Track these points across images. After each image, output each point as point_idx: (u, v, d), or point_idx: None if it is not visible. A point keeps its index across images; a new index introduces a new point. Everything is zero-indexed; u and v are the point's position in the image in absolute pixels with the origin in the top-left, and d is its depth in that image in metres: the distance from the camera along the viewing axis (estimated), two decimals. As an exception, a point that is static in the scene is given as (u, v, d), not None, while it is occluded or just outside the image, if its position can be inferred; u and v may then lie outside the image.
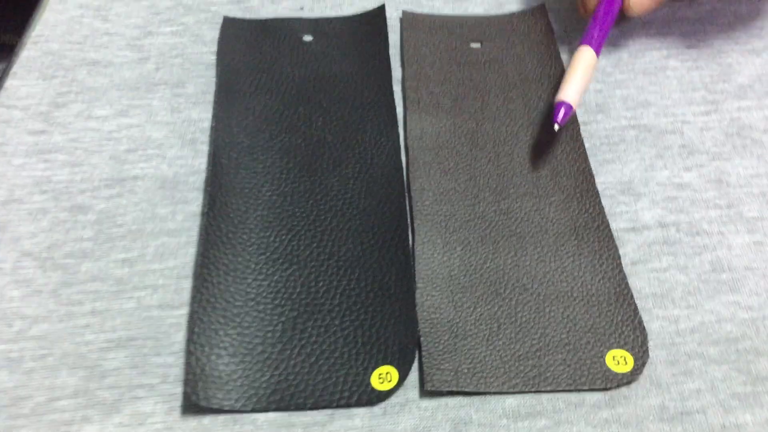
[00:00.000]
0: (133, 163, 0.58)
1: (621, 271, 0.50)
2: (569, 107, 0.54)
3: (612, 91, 0.63)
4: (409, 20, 0.68)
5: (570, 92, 0.55)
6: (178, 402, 0.46)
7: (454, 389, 0.45)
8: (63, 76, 0.65)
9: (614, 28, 0.68)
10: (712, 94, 0.62)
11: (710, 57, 0.65)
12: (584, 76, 0.56)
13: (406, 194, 0.56)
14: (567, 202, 0.54)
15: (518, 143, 0.57)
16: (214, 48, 0.67)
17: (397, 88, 0.64)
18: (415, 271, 0.51)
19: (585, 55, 0.57)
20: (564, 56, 0.65)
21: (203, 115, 0.62)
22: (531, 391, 0.45)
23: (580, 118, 0.60)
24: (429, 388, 0.45)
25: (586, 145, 0.58)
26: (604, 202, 0.55)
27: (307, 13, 0.71)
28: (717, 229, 0.53)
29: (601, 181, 0.56)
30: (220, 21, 0.70)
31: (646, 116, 0.61)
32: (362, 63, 0.65)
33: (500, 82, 0.62)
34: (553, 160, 0.56)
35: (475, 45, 0.65)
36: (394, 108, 0.61)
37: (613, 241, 0.52)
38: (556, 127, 0.53)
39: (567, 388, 0.45)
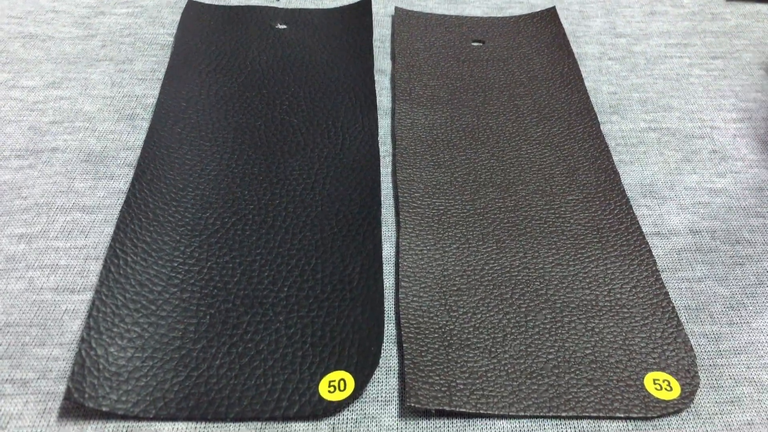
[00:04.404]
0: (55, 135, 0.48)
1: (658, 278, 0.40)
2: None
3: (628, 94, 0.54)
4: (402, 16, 0.61)
5: None
6: (57, 403, 0.34)
7: (446, 408, 0.34)
8: (-8, 46, 0.56)
9: (628, 36, 0.60)
10: (744, 103, 0.53)
11: (739, 68, 0.57)
12: None
13: (391, 185, 0.46)
14: (587, 201, 0.44)
15: (527, 140, 0.49)
16: (173, 31, 0.59)
17: (382, 80, 0.55)
18: (398, 267, 0.40)
19: None
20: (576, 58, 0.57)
21: (149, 92, 0.52)
22: (547, 416, 0.34)
23: (591, 119, 0.52)
24: (412, 404, 0.33)
25: (599, 146, 0.49)
26: (622, 204, 0.45)
27: (284, 5, 0.62)
28: (761, 239, 0.43)
29: (617, 183, 0.47)
30: (184, 6, 0.62)
31: (668, 120, 0.52)
32: (340, 52, 0.56)
33: (505, 80, 0.54)
34: (569, 158, 0.47)
35: (476, 44, 0.58)
36: (373, 96, 0.52)
37: (646, 244, 0.42)
38: None
39: (595, 414, 0.34)
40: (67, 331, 0.37)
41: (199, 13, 0.60)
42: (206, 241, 0.41)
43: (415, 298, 0.39)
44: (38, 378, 0.35)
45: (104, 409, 0.33)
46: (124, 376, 0.34)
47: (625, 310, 0.39)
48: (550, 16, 0.61)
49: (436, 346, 0.36)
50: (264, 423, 0.34)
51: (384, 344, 0.37)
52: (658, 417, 0.34)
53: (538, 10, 0.63)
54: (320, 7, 0.63)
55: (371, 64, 0.55)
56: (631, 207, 0.44)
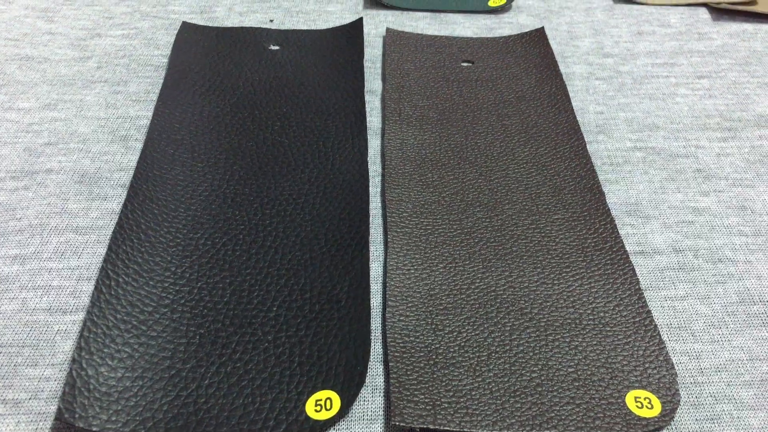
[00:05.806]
0: (50, 156, 0.49)
1: (640, 297, 0.41)
2: None
3: (614, 113, 0.55)
4: (393, 37, 0.62)
5: None
6: (48, 423, 0.35)
7: (431, 426, 0.34)
8: (-11, 68, 0.57)
9: (615, 56, 0.61)
10: (728, 122, 0.54)
11: (725, 87, 0.58)
12: None
13: (380, 205, 0.47)
14: (573, 220, 0.45)
15: (514, 160, 0.50)
16: (168, 52, 0.60)
17: (373, 100, 0.56)
18: (386, 287, 0.41)
19: None
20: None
21: (143, 113, 0.53)
22: None
23: (578, 138, 0.52)
24: (397, 423, 0.34)
25: (586, 165, 0.50)
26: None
27: (277, 26, 0.63)
28: (743, 258, 0.44)
29: (603, 202, 0.47)
30: (178, 27, 0.63)
31: (654, 139, 0.53)
32: (332, 72, 0.57)
33: (494, 100, 0.55)
34: (556, 177, 0.48)
35: (466, 64, 0.59)
36: (363, 116, 0.53)
37: (630, 263, 0.43)
38: None
39: None
40: (59, 352, 0.38)
41: (193, 35, 0.60)
42: (197, 261, 0.42)
43: (401, 318, 0.39)
44: (30, 398, 0.36)
45: (94, 429, 0.34)
46: (115, 396, 0.35)
47: (608, 329, 0.39)
48: (539, 36, 0.62)
49: (422, 365, 0.37)
50: (251, 442, 0.34)
51: (370, 363, 0.38)
52: (639, 435, 0.35)
53: (527, 30, 0.64)
54: (312, 28, 0.64)
55: (362, 85, 0.56)
56: (615, 226, 0.45)
